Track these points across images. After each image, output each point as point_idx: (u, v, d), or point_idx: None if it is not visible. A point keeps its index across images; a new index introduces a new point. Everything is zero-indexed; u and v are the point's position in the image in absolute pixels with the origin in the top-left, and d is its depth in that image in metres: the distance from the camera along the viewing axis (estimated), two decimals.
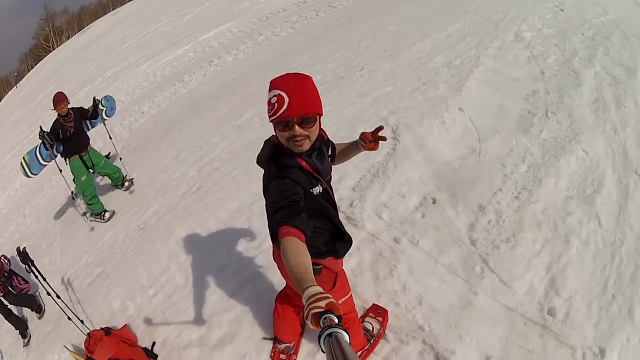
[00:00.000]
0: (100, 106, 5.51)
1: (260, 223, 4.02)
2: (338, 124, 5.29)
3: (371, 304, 2.98)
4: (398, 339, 2.77)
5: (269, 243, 3.66)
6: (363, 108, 5.29)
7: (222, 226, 4.23)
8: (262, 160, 1.83)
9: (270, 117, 1.67)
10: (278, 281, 3.28)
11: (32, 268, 3.57)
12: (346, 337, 1.03)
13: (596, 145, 4.33)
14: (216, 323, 3.19)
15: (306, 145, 1.71)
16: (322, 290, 1.21)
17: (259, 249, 3.71)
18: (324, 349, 1.03)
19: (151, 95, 10.89)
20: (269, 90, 1.68)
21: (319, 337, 1.05)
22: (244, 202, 4.48)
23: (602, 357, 2.57)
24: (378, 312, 2.92)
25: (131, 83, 13.07)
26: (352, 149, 2.18)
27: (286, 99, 1.62)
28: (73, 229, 5.37)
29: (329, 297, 1.17)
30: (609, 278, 3.01)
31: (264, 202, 1.74)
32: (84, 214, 5.52)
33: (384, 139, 2.07)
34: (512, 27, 8.06)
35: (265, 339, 2.98)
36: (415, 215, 3.71)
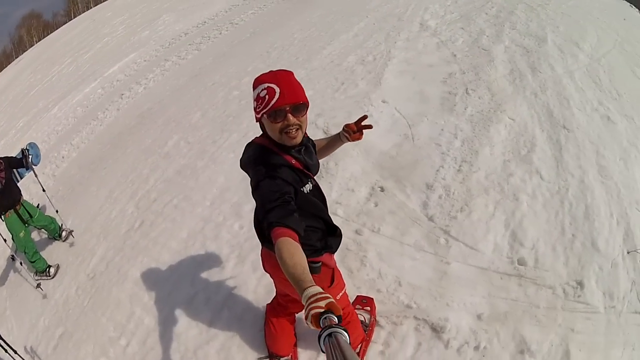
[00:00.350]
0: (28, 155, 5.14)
1: (216, 245, 3.98)
2: None
3: (355, 296, 3.03)
4: (391, 322, 2.88)
5: (232, 263, 3.66)
6: None
7: (178, 257, 4.12)
8: (248, 162, 1.81)
9: (261, 110, 1.69)
10: (254, 299, 3.28)
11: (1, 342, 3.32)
12: (346, 337, 1.05)
13: (520, 111, 4.79)
14: (203, 356, 3.07)
15: (299, 136, 1.73)
16: (322, 290, 1.23)
17: (223, 271, 3.67)
18: (323, 349, 1.05)
19: (68, 139, 10.37)
20: (254, 88, 1.71)
21: (319, 337, 1.07)
22: (193, 227, 4.40)
23: (581, 288, 2.86)
24: (364, 302, 2.97)
25: (45, 129, 12.44)
26: (333, 142, 2.24)
27: (277, 90, 1.65)
28: (21, 293, 5.01)
29: (329, 297, 1.19)
30: (564, 221, 3.36)
31: (253, 206, 1.77)
32: (35, 272, 5.15)
33: (369, 127, 2.15)
34: (416, 18, 8.55)
35: (260, 358, 2.91)
36: (369, 205, 3.88)
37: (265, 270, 2.24)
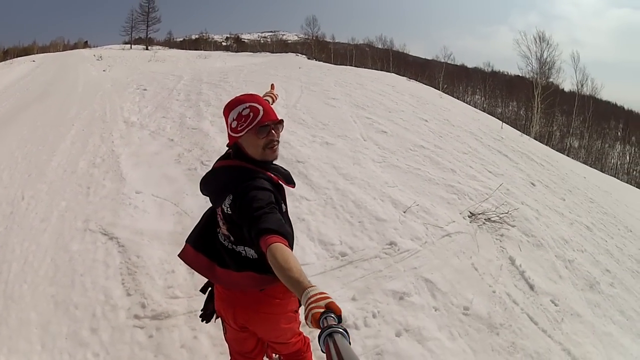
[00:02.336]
0: None
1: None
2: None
3: None
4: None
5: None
6: (54, 228, 4.84)
7: None
8: (229, 183, 1.81)
9: (245, 127, 1.81)
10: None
11: None
12: (346, 337, 1.10)
13: None
14: None
15: (277, 151, 1.90)
16: (321, 291, 1.26)
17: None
18: (323, 349, 1.09)
19: None
20: (232, 108, 1.85)
21: (319, 337, 1.11)
22: None
23: (395, 245, 4.33)
24: None
25: None
26: None
27: (260, 108, 1.83)
28: None
29: (329, 298, 1.23)
30: (346, 216, 4.59)
31: None
32: None
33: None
34: (118, 118, 9.03)
35: None
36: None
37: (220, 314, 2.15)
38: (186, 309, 3.43)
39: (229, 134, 1.92)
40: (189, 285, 3.67)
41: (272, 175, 1.88)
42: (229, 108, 1.89)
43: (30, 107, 12.14)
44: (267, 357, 2.57)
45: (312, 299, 1.23)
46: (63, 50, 46.02)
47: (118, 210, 5.05)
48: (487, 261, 4.41)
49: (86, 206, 5.19)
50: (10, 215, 5.16)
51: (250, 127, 1.82)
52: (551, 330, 3.72)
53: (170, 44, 58.63)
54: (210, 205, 2.06)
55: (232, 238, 1.93)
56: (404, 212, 4.95)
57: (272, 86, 2.73)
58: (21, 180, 6.14)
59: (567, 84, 40.98)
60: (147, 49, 44.85)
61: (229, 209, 1.80)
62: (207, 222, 2.11)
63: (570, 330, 3.82)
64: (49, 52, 44.18)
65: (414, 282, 3.85)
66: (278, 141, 1.88)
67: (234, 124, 1.85)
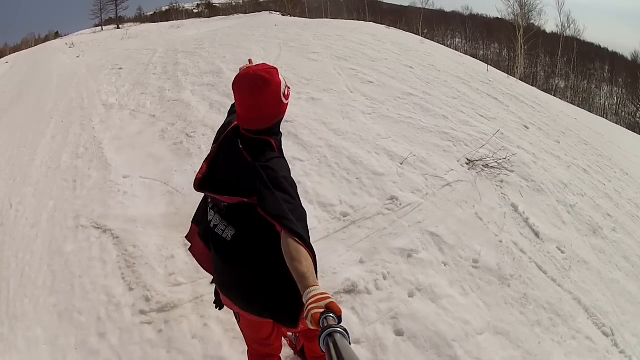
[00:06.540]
0: None
1: None
2: None
3: None
4: None
5: None
6: (46, 232, 4.55)
7: None
8: (273, 155, 1.71)
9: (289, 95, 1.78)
10: None
11: None
12: (346, 337, 1.08)
13: None
14: None
15: None
16: (323, 291, 1.24)
17: None
18: (323, 349, 1.07)
19: None
20: (279, 73, 1.72)
21: (319, 337, 1.10)
22: None
23: (397, 199, 4.10)
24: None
25: None
26: None
27: None
28: None
29: (330, 298, 1.22)
30: (343, 174, 4.39)
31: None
32: None
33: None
34: (96, 102, 8.69)
35: None
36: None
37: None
38: (192, 295, 3.20)
39: (283, 104, 1.75)
40: (191, 270, 3.42)
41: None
42: (277, 80, 1.70)
43: (8, 111, 11.64)
44: (284, 337, 2.54)
45: (312, 299, 1.22)
46: (35, 45, 44.56)
47: (107, 199, 4.77)
48: (490, 209, 4.21)
49: (74, 202, 4.91)
50: (1, 227, 4.87)
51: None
52: (560, 279, 3.60)
53: (141, 19, 56.60)
54: None
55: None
56: (401, 164, 4.67)
57: (250, 61, 2.37)
58: (7, 188, 5.84)
59: (551, 26, 39.70)
60: (118, 27, 43.14)
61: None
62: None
63: (579, 278, 3.70)
64: (22, 50, 42.90)
65: (420, 237, 3.66)
66: None
67: (287, 91, 1.75)
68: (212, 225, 1.83)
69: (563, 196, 4.92)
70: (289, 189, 1.60)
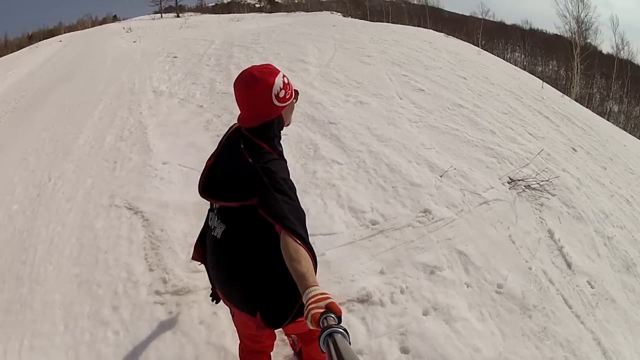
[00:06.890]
0: None
1: None
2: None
3: None
4: None
5: None
6: (80, 207, 4.76)
7: None
8: (277, 177, 1.64)
9: (291, 93, 1.77)
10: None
11: None
12: (346, 337, 1.09)
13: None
14: None
15: None
16: (323, 291, 1.25)
17: None
18: (323, 349, 1.08)
19: None
20: (276, 75, 1.70)
21: (319, 337, 1.10)
22: None
23: (430, 212, 3.95)
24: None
25: None
26: None
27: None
28: None
29: (330, 298, 1.22)
30: (379, 181, 4.26)
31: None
32: None
33: None
34: (146, 88, 8.91)
35: None
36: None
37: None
38: (207, 283, 3.20)
39: (275, 106, 1.73)
40: None
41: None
42: (271, 79, 1.70)
43: (58, 88, 12.19)
44: (286, 337, 2.66)
45: (312, 299, 1.22)
46: (92, 27, 46.13)
47: (144, 183, 4.92)
48: (525, 233, 4.01)
49: (112, 182, 5.08)
50: (37, 197, 5.14)
51: (292, 92, 1.78)
52: (584, 315, 3.37)
53: (202, 9, 58.25)
54: None
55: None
56: (441, 177, 4.54)
57: None
58: (48, 162, 6.11)
59: (605, 46, 38.40)
60: (178, 16, 44.27)
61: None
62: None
63: (604, 317, 3.45)
64: (77, 30, 44.44)
65: (447, 254, 3.53)
66: None
67: (282, 94, 1.72)
68: (211, 227, 1.89)
69: (602, 227, 4.65)
70: (287, 190, 1.61)
